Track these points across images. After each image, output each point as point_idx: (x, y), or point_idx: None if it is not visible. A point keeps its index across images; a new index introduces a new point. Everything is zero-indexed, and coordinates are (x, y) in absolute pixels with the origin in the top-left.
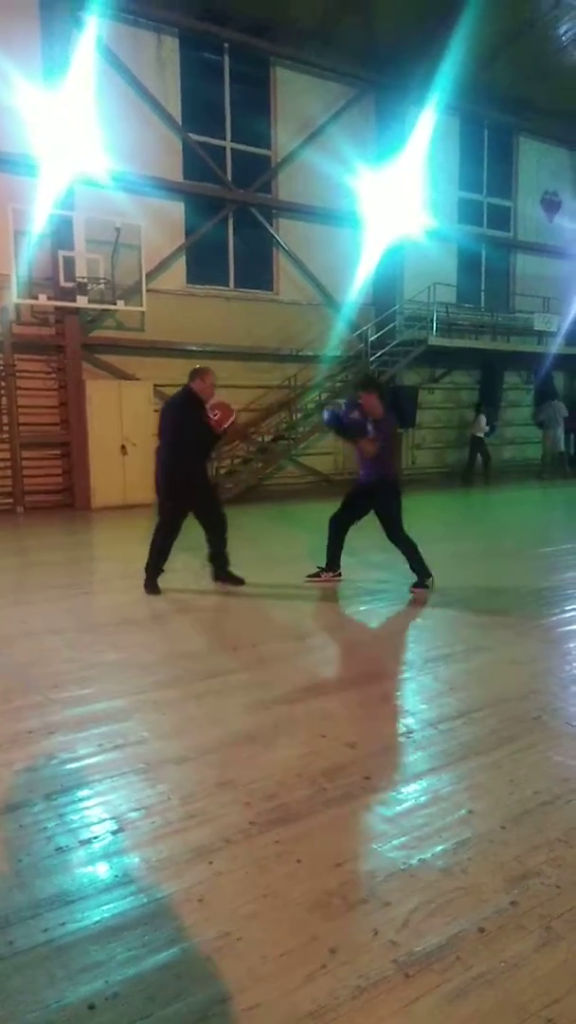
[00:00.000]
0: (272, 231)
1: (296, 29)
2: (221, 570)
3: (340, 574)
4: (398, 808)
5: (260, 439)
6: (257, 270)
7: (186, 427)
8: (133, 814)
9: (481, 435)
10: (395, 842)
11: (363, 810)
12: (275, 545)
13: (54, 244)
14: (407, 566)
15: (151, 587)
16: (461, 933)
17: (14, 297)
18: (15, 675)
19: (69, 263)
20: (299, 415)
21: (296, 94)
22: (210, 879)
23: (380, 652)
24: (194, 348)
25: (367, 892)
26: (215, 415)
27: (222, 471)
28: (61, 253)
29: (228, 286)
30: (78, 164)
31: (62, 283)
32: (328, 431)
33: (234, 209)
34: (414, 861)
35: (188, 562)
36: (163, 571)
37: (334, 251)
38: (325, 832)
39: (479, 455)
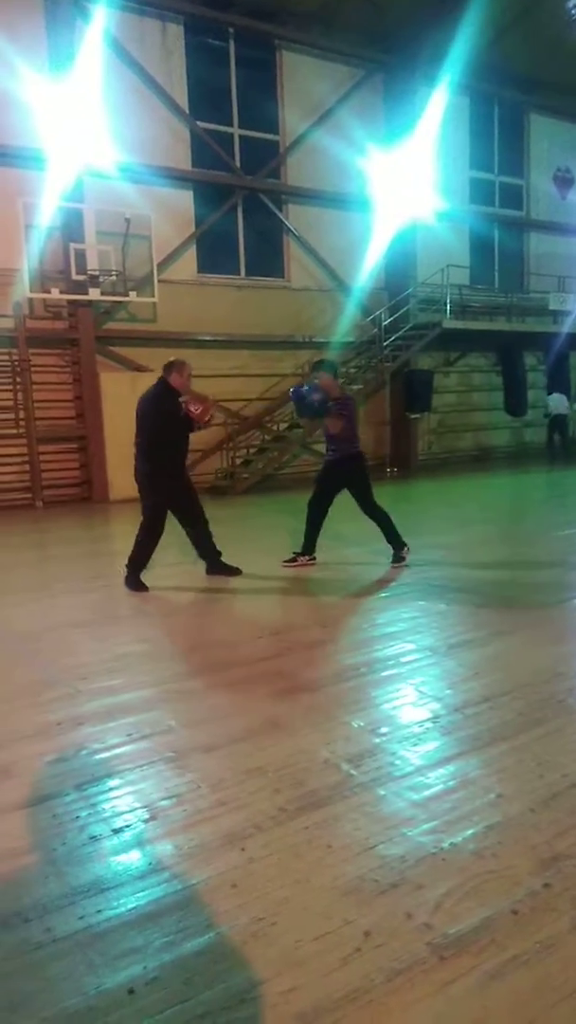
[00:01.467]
0: (282, 217)
1: (301, 11)
2: (215, 563)
3: (315, 559)
4: (426, 793)
5: (275, 428)
6: (268, 257)
7: (166, 421)
8: (164, 802)
9: (565, 412)
10: (425, 826)
11: (391, 795)
12: (292, 535)
13: (65, 237)
14: (424, 555)
15: (135, 583)
16: (494, 916)
17: (27, 291)
18: (42, 668)
19: (80, 256)
20: None
21: (303, 77)
22: (242, 865)
23: (403, 638)
24: (206, 338)
25: (399, 876)
26: (196, 409)
27: (238, 461)
28: (72, 246)
29: (239, 274)
30: (86, 156)
31: (74, 276)
32: (298, 413)
33: (243, 196)
34: (445, 845)
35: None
36: (146, 567)
37: (345, 235)
38: (354, 817)
39: (558, 434)
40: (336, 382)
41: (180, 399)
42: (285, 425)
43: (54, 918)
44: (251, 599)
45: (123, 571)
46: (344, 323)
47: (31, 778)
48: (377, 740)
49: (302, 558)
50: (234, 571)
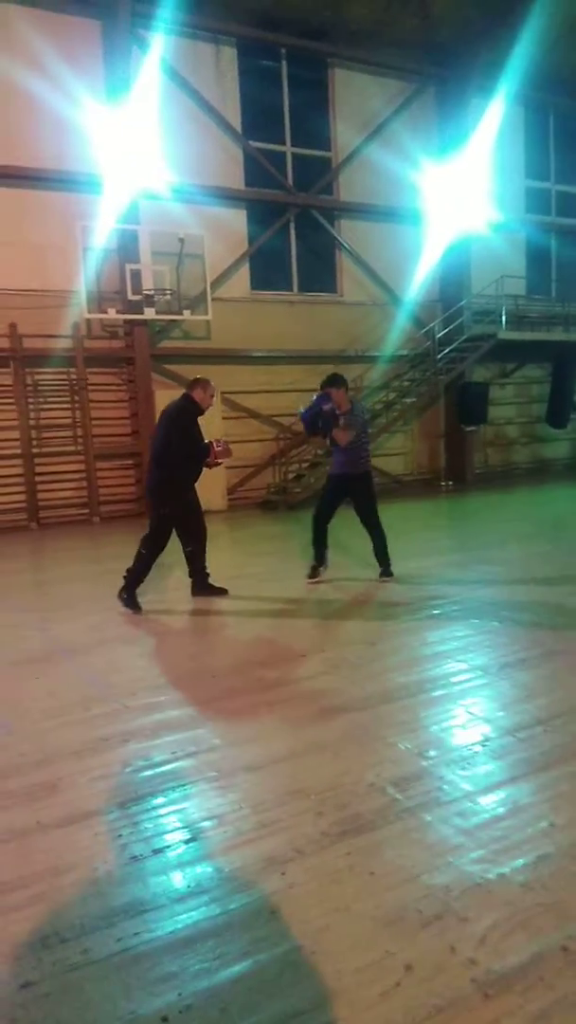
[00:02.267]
0: (334, 232)
1: (352, 28)
2: (202, 584)
3: (325, 567)
4: (475, 820)
5: (327, 442)
6: (320, 272)
7: (183, 435)
8: (206, 823)
9: None
10: (472, 855)
11: (438, 821)
12: (341, 550)
13: (121, 258)
14: (477, 572)
15: (130, 601)
16: (543, 952)
17: (84, 312)
18: (93, 683)
19: (136, 276)
20: (366, 416)
21: (355, 93)
22: (282, 890)
23: (454, 657)
24: (259, 354)
25: (443, 907)
26: (219, 447)
27: (289, 476)
28: (128, 266)
29: (291, 290)
30: (142, 179)
31: (130, 296)
32: (308, 431)
33: (296, 213)
34: (492, 875)
35: (250, 568)
36: (141, 582)
37: (398, 249)
38: (399, 844)
39: None
40: (347, 396)
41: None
42: None
43: (92, 939)
44: (296, 616)
45: (172, 588)
46: (397, 336)
47: (76, 794)
48: (425, 763)
49: (320, 569)
50: (221, 592)
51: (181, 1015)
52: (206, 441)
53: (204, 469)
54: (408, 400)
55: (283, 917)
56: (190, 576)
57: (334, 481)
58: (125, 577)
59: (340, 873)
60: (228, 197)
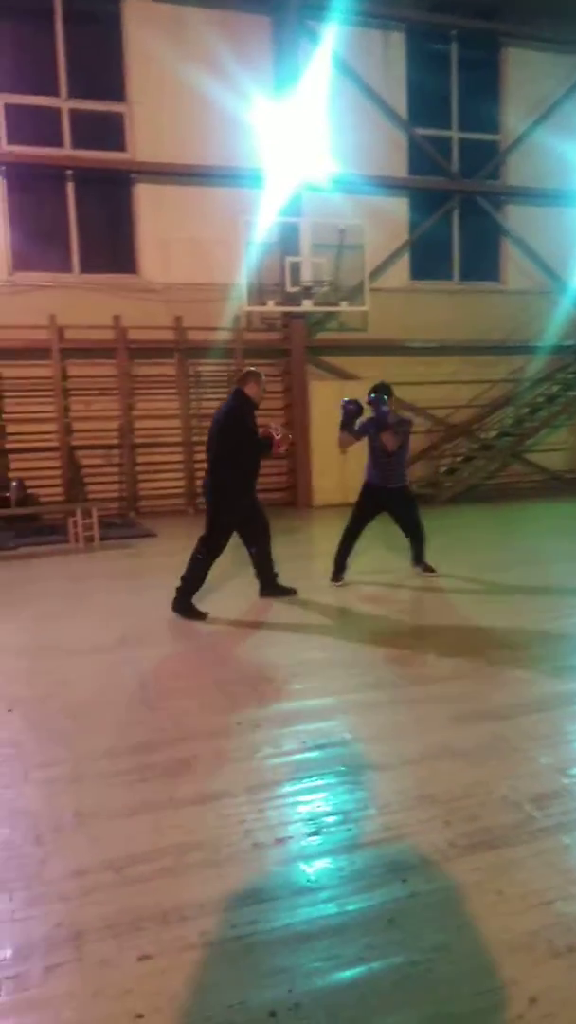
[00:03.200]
0: (499, 219)
1: (526, 6)
2: (270, 586)
3: (343, 582)
4: None
5: (483, 436)
6: (483, 261)
7: (238, 437)
8: (330, 818)
9: None
10: None
11: None
12: (490, 548)
13: (281, 251)
14: None
15: (185, 608)
16: None
17: (244, 305)
18: (230, 666)
19: (295, 268)
20: (526, 410)
21: (528, 73)
22: (403, 899)
23: None
24: (416, 345)
25: None
26: (278, 434)
27: (442, 470)
28: (288, 259)
29: (452, 279)
30: (305, 171)
31: (288, 288)
32: (353, 419)
33: (459, 200)
34: None
35: (392, 563)
36: (198, 589)
37: (568, 234)
38: (531, 865)
39: None
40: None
41: (261, 427)
42: (495, 433)
43: (210, 921)
44: (438, 611)
45: (313, 576)
46: (563, 326)
47: (207, 774)
48: (567, 781)
49: (334, 583)
50: (290, 591)
51: (289, 1012)
52: (262, 433)
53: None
54: (573, 393)
55: (402, 927)
56: (256, 578)
57: (369, 493)
58: (179, 588)
59: (465, 888)
60: (390, 186)
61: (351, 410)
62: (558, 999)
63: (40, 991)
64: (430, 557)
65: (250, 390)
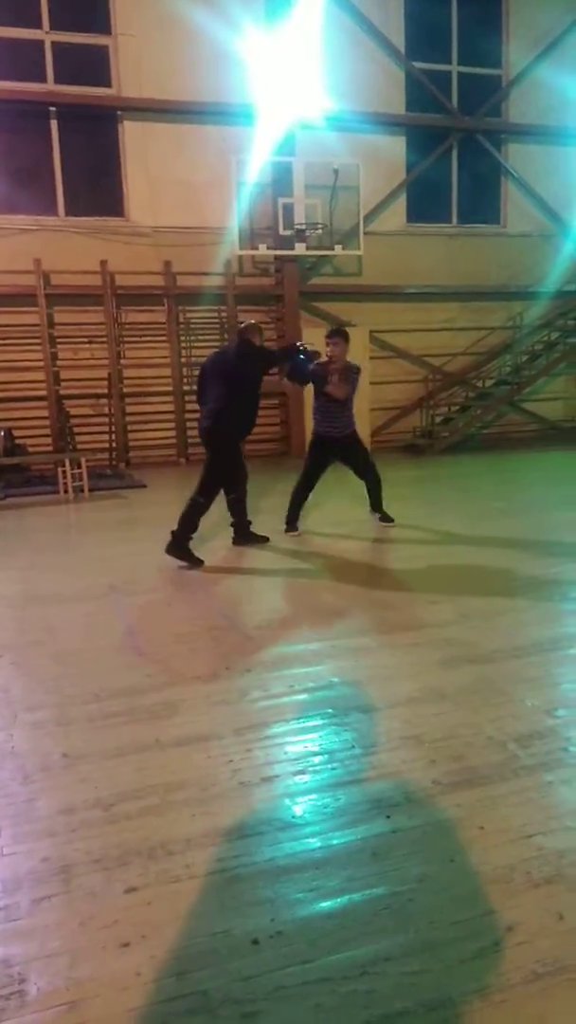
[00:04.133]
0: (500, 158)
1: None
2: (244, 533)
3: (299, 533)
4: None
5: (480, 384)
6: (482, 202)
7: (257, 377)
8: (316, 758)
9: None
10: None
11: (560, 783)
12: (484, 497)
13: (274, 192)
14: None
15: (182, 551)
16: None
17: (236, 249)
18: (219, 613)
19: (288, 210)
20: (525, 357)
21: (531, 5)
22: (386, 834)
23: None
24: (413, 291)
25: (555, 871)
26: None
27: (438, 419)
28: (280, 200)
29: (450, 222)
30: (299, 108)
31: (281, 231)
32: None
33: (459, 138)
34: None
35: (394, 509)
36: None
37: (572, 174)
38: (513, 801)
39: None
40: (346, 353)
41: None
42: (492, 382)
43: (195, 855)
44: (428, 561)
45: (305, 526)
46: (565, 270)
47: (194, 717)
48: (551, 722)
49: (291, 533)
50: (262, 539)
51: (271, 940)
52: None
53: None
54: (573, 340)
55: (384, 860)
56: (232, 525)
57: (320, 443)
58: (173, 532)
59: (447, 824)
60: (387, 123)
61: (303, 363)
62: (535, 928)
63: (28, 922)
64: (421, 505)
65: (255, 340)
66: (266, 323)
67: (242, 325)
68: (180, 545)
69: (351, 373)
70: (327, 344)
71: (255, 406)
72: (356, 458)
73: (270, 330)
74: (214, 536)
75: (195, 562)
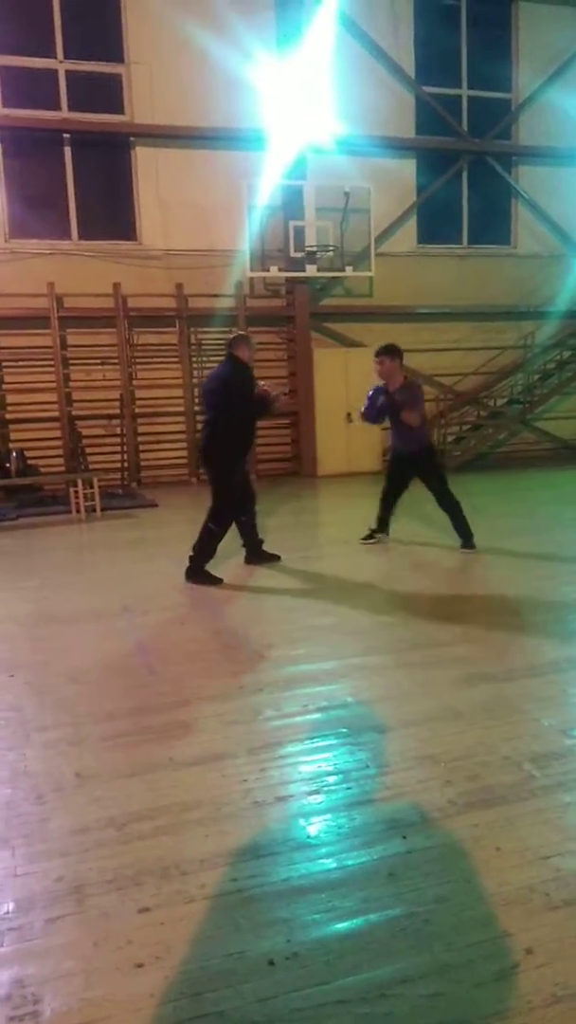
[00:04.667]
0: (510, 180)
1: None
2: (256, 552)
3: (386, 535)
4: None
5: (492, 403)
6: (493, 223)
7: (243, 398)
8: (331, 778)
9: None
10: None
11: None
12: (497, 516)
13: (285, 215)
14: None
15: (200, 575)
16: None
17: (247, 271)
18: (233, 632)
19: (299, 232)
20: (536, 377)
21: (540, 28)
22: (402, 855)
23: None
24: (423, 311)
25: (573, 893)
26: (272, 392)
27: (449, 438)
28: (292, 223)
29: (461, 243)
30: (309, 132)
31: (292, 253)
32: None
33: (469, 161)
34: None
35: (394, 531)
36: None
37: None
38: (531, 822)
39: None
40: (400, 368)
41: (256, 381)
42: (503, 401)
43: (209, 875)
44: (442, 577)
45: (320, 544)
46: None
47: (208, 737)
48: (568, 742)
49: (379, 534)
50: (273, 558)
51: (287, 961)
52: (258, 392)
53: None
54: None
55: (400, 881)
56: (244, 546)
57: (396, 459)
58: (191, 558)
59: (464, 844)
60: (397, 147)
61: (372, 413)
62: (553, 950)
63: (42, 942)
64: (433, 523)
65: (241, 354)
66: (278, 343)
67: (231, 336)
68: (198, 571)
69: (404, 393)
70: (375, 363)
71: (245, 422)
72: (427, 479)
73: (281, 350)
74: (227, 555)
75: (214, 582)
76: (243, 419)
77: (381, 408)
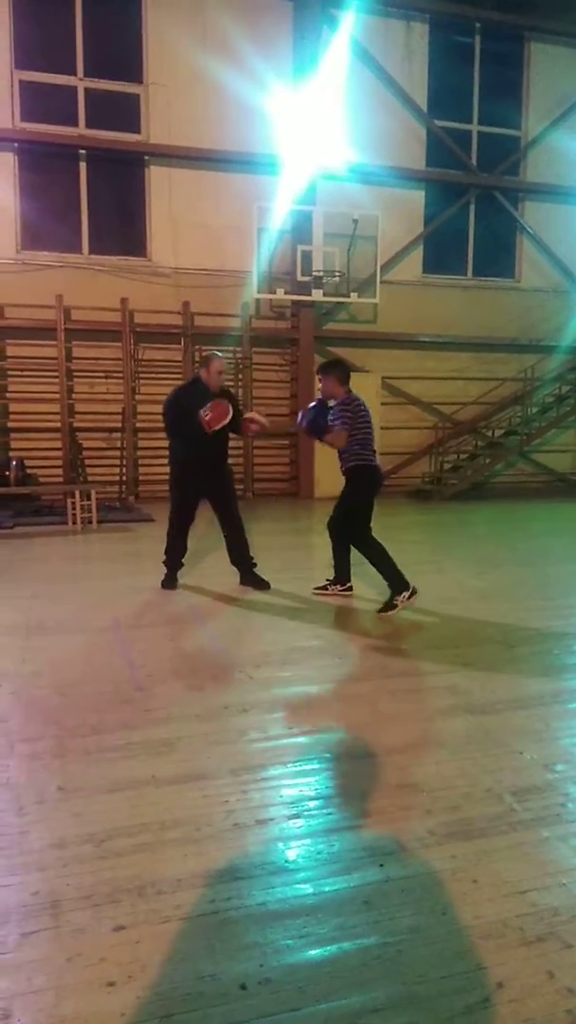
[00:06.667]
0: (516, 215)
1: (552, 0)
2: (247, 574)
3: (351, 587)
4: None
5: (490, 433)
6: (498, 257)
7: (179, 415)
8: (311, 803)
9: None
10: None
11: (556, 839)
12: (489, 546)
13: (294, 239)
14: None
15: (167, 580)
16: None
17: (255, 292)
18: (220, 651)
19: (307, 257)
20: (535, 409)
21: (551, 69)
22: (378, 883)
23: None
24: (426, 340)
25: (547, 929)
26: (207, 415)
27: (446, 466)
28: (300, 247)
29: (466, 275)
30: (321, 159)
31: (299, 277)
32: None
33: (477, 194)
34: None
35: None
36: (182, 565)
37: None
38: (509, 856)
39: None
40: (340, 386)
41: (208, 399)
42: (501, 431)
43: (186, 896)
44: (431, 605)
45: (314, 566)
46: None
47: (191, 755)
48: (550, 776)
49: (334, 587)
50: (263, 585)
51: (259, 986)
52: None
53: (209, 452)
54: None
55: (375, 910)
56: (232, 564)
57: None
58: (165, 563)
59: (441, 875)
60: (407, 177)
61: (309, 427)
62: (526, 985)
63: (14, 956)
64: (425, 551)
65: (203, 374)
66: (281, 365)
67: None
68: (168, 574)
69: (342, 411)
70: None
71: (192, 438)
72: (345, 499)
73: (284, 371)
74: (222, 573)
75: (172, 583)
76: (184, 434)
77: (312, 423)
